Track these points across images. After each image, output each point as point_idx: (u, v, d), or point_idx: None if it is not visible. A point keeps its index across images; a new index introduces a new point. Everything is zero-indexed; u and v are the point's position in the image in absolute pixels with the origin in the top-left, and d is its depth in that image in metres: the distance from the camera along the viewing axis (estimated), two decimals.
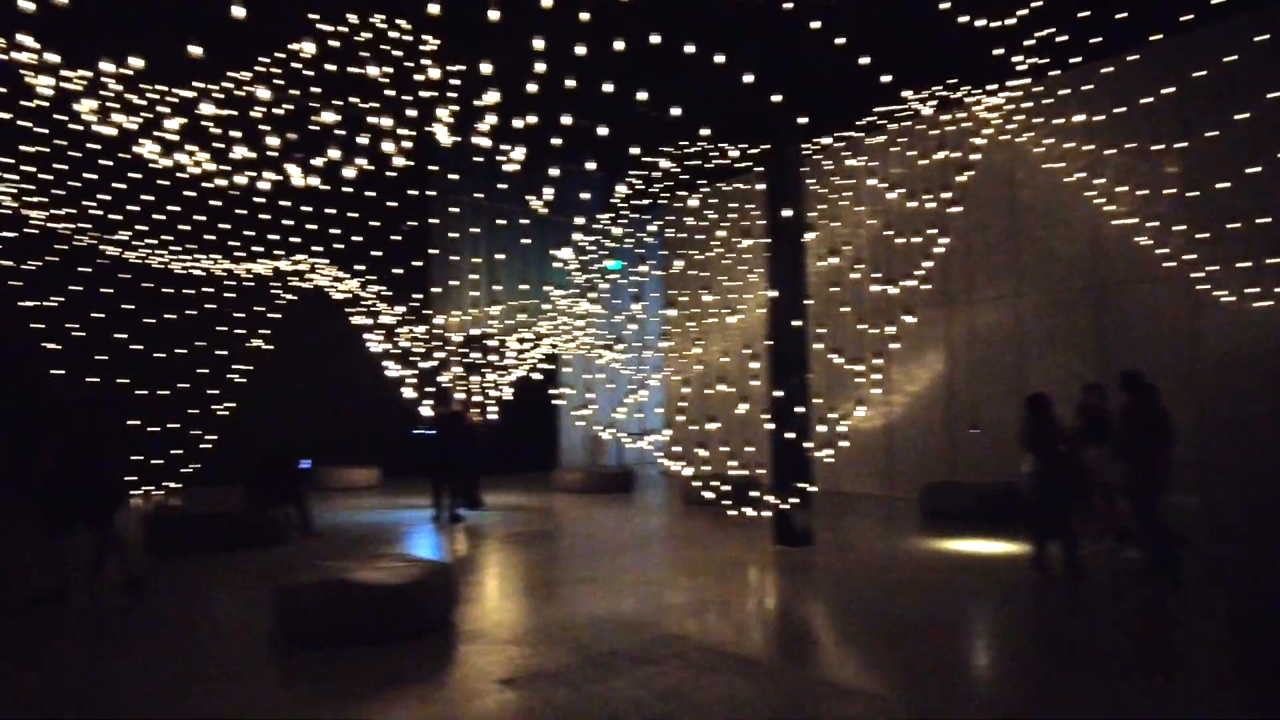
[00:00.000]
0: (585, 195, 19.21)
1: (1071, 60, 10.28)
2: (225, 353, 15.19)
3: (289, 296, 15.91)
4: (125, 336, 14.25)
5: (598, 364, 18.92)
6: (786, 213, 9.88)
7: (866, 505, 13.70)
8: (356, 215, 14.56)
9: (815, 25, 8.51)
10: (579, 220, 18.57)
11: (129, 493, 7.91)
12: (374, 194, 14.62)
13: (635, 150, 12.37)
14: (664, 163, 14.35)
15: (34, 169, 10.77)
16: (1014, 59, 9.92)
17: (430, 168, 16.89)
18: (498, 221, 18.65)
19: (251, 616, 6.32)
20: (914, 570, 8.36)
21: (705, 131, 12.30)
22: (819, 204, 14.04)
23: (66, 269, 13.62)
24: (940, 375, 14.15)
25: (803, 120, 9.74)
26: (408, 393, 14.13)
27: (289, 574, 5.97)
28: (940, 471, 13.68)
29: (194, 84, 8.57)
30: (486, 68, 8.76)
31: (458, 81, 10.02)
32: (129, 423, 9.15)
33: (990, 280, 13.56)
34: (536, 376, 17.32)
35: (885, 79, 9.20)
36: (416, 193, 17.01)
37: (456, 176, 17.04)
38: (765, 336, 10.13)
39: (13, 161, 10.53)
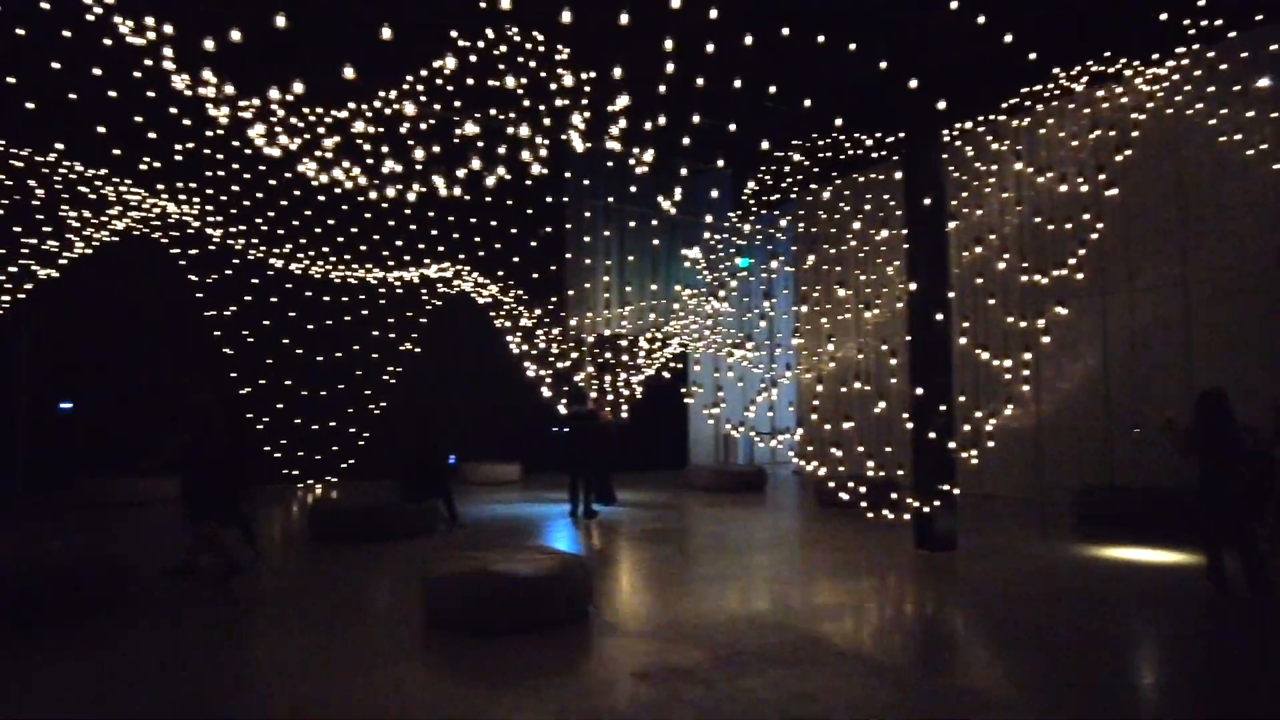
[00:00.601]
0: (715, 193, 19.20)
1: (1254, 19, 9.31)
2: (377, 355, 16.26)
3: (435, 302, 16.81)
4: (289, 341, 15.52)
5: (728, 362, 18.86)
6: (927, 202, 9.49)
7: (1012, 509, 12.95)
8: (496, 223, 15.22)
9: (954, 4, 8.11)
10: (709, 219, 18.60)
11: (244, 485, 8.35)
12: (512, 202, 15.24)
13: (765, 145, 12.21)
14: (796, 156, 14.11)
15: (213, 191, 11.93)
16: (1183, 23, 9.10)
17: (565, 174, 17.39)
18: (629, 224, 18.92)
19: (403, 604, 6.72)
20: (1067, 579, 7.83)
21: (839, 122, 12.00)
22: (961, 191, 13.38)
23: (240, 281, 15.00)
24: (1095, 371, 13.16)
25: (942, 105, 9.31)
26: (545, 392, 14.61)
27: (437, 564, 6.30)
28: (1095, 474, 12.73)
29: (348, 105, 9.20)
30: (617, 71, 8.88)
31: (589, 88, 10.24)
32: (255, 420, 9.72)
33: (1153, 267, 12.48)
34: (666, 376, 17.46)
35: (1032, 56, 8.65)
36: (551, 199, 17.53)
37: (588, 182, 17.48)
38: (905, 332, 9.78)
39: (196, 186, 11.72)
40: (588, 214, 18.62)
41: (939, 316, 9.41)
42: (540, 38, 10.12)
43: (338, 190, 9.98)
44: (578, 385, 14.56)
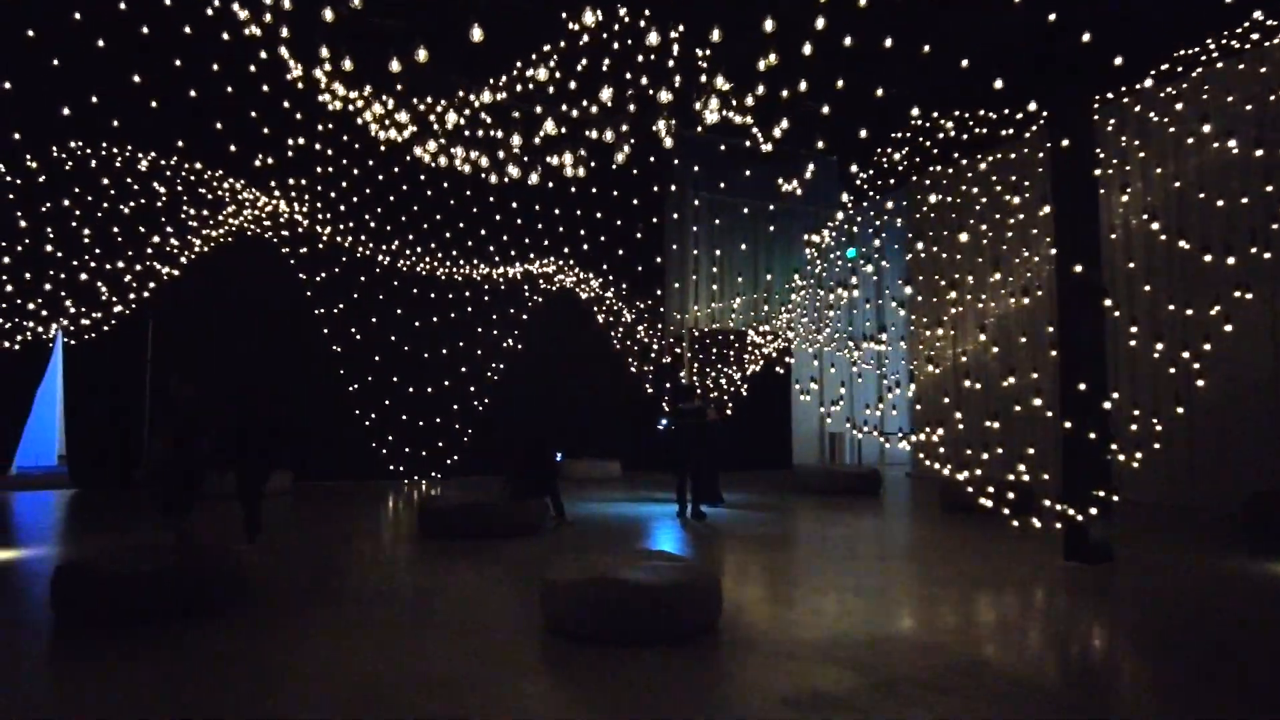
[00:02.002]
0: (821, 180, 18.39)
1: None
2: (481, 352, 16.22)
3: (537, 298, 16.66)
4: (395, 339, 15.64)
5: (836, 357, 18.06)
6: (1076, 176, 8.58)
7: (1169, 517, 11.74)
8: (599, 215, 14.90)
9: None
10: (816, 208, 17.83)
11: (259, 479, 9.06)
12: (614, 193, 14.90)
13: (877, 127, 11.44)
14: (930, 127, 13.21)
15: (324, 188, 12.05)
16: None
17: (664, 163, 16.95)
18: (730, 214, 18.30)
19: (521, 609, 6.38)
20: (1243, 598, 6.88)
21: (960, 96, 11.11)
22: (1120, 164, 12.13)
23: (348, 279, 15.20)
24: (1264, 364, 11.79)
25: (1092, 68, 8.38)
26: (647, 388, 14.24)
27: (553, 567, 5.94)
28: (1264, 479, 11.38)
29: (465, 86, 8.95)
30: (717, 41, 8.32)
31: (699, 64, 9.71)
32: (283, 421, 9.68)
33: None
34: (780, 370, 16.83)
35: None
36: (656, 188, 17.12)
37: (693, 167, 16.96)
38: (1045, 322, 8.88)
39: (307, 183, 11.85)
40: (696, 202, 18.03)
41: (1092, 304, 8.49)
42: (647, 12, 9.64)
43: (455, 173, 9.78)
44: (684, 381, 14.09)
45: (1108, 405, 8.25)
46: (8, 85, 7.58)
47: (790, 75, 8.35)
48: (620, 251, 15.42)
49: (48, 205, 10.44)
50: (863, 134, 9.87)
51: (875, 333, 14.72)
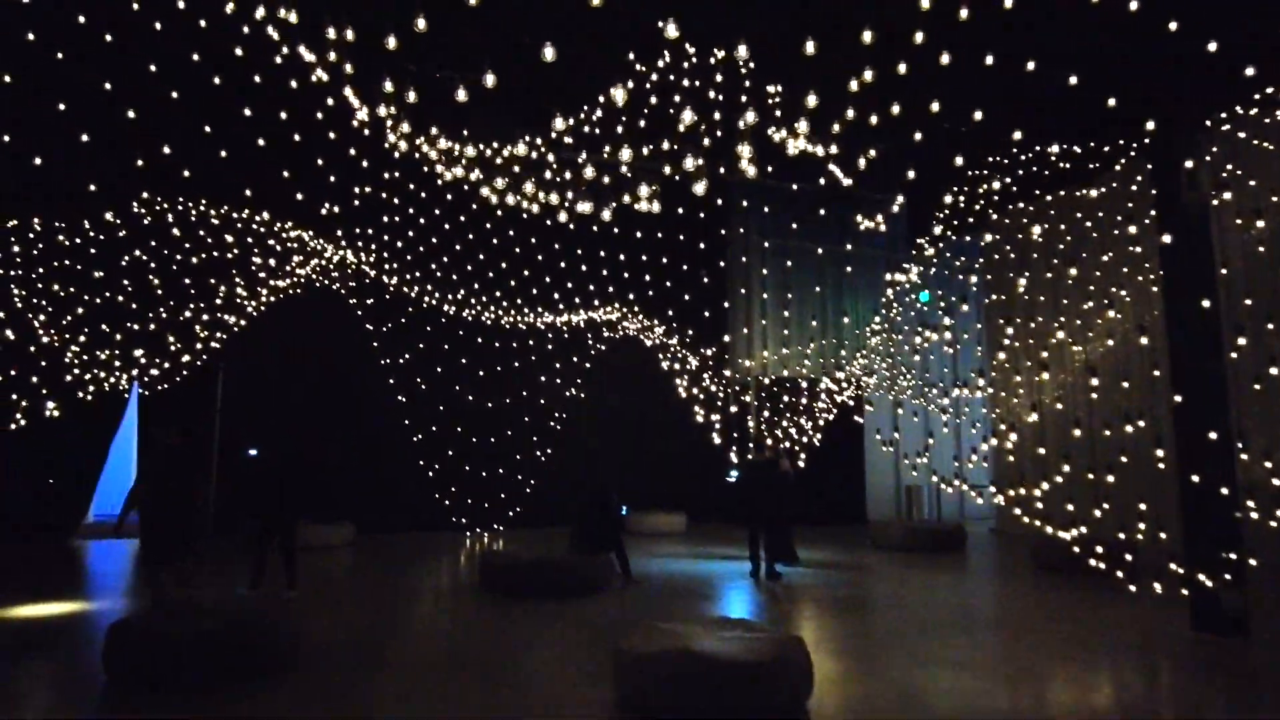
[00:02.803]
0: (891, 221, 17.86)
1: None
2: (544, 401, 15.97)
3: (600, 346, 16.39)
4: (460, 389, 15.51)
5: (911, 405, 17.23)
6: (1186, 204, 7.90)
7: None
8: (664, 260, 14.61)
9: None
10: (886, 251, 17.27)
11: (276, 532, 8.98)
12: (680, 237, 14.63)
13: (959, 160, 10.92)
14: (992, 171, 12.64)
15: (389, 237, 12.09)
16: None
17: (728, 207, 16.68)
18: (799, 258, 17.83)
19: (588, 680, 5.88)
20: None
21: (1047, 126, 10.54)
22: (1236, 192, 11.26)
23: (414, 328, 15.20)
24: None
25: (1203, 91, 7.76)
26: (715, 439, 13.71)
27: (624, 634, 5.44)
28: None
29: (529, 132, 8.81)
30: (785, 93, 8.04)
31: (769, 103, 9.39)
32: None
33: None
34: (843, 421, 16.11)
35: None
36: (723, 230, 16.83)
37: (753, 208, 16.64)
38: (1149, 365, 8.13)
39: (373, 232, 11.88)
40: (765, 244, 17.63)
41: (1210, 340, 7.73)
42: (719, 54, 9.40)
43: (519, 219, 9.61)
44: (757, 431, 13.51)
45: (1221, 454, 7.41)
46: (85, 137, 7.74)
47: (875, 106, 7.96)
48: (686, 297, 15.06)
49: (125, 259, 10.63)
50: (958, 161, 9.33)
51: (964, 381, 13.90)
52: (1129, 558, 8.79)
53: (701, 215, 10.45)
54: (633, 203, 8.12)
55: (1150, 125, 8.19)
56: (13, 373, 10.15)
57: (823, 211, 14.01)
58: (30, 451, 12.35)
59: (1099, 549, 9.17)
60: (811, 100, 7.81)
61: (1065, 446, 13.70)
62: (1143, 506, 8.90)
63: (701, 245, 15.48)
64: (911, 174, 10.24)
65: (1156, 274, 12.20)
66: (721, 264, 17.51)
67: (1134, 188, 12.25)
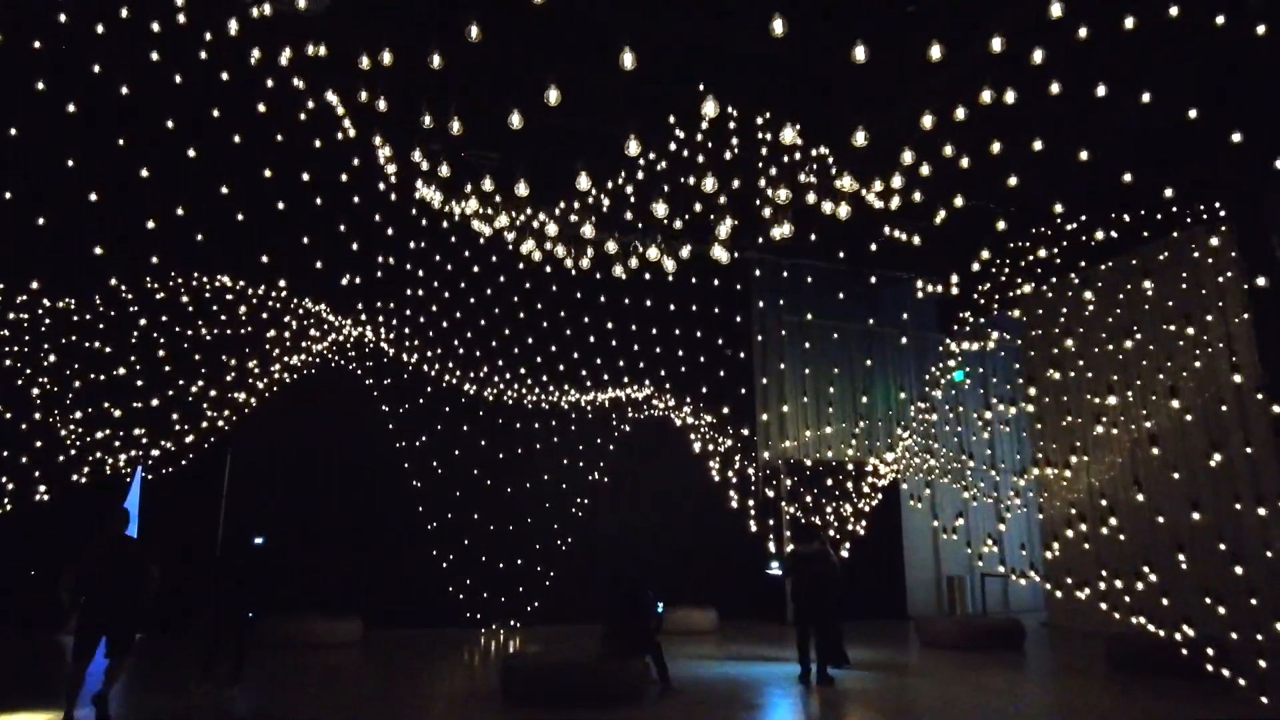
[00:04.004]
0: (919, 302, 17.37)
1: None
2: (565, 486, 15.12)
3: (625, 428, 15.65)
4: (478, 472, 14.71)
5: (950, 491, 16.32)
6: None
7: None
8: (692, 338, 14.04)
9: None
10: (917, 331, 16.70)
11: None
12: (707, 315, 14.12)
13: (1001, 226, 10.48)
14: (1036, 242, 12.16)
15: (411, 312, 11.57)
16: None
17: (752, 289, 16.24)
18: (825, 339, 17.22)
19: None
20: None
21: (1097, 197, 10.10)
22: None
23: (430, 410, 14.53)
24: None
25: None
26: (751, 526, 12.84)
27: None
28: None
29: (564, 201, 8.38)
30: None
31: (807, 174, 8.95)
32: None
33: None
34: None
35: None
36: (746, 309, 16.31)
37: (776, 288, 16.17)
38: (1217, 441, 7.33)
39: (395, 306, 11.37)
40: (789, 324, 17.05)
41: None
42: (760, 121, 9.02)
43: (544, 293, 9.07)
44: (808, 521, 12.60)
45: None
46: (93, 196, 7.30)
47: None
48: (719, 373, 14.40)
49: (133, 332, 10.09)
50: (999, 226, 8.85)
51: (1019, 468, 13.07)
52: (1227, 656, 7.77)
53: (727, 288, 10.04)
54: (653, 260, 7.57)
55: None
56: (3, 454, 9.46)
57: (841, 295, 13.49)
58: (18, 538, 11.53)
59: (1206, 648, 8.15)
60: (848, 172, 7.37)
61: (1138, 536, 12.72)
62: (1254, 601, 7.93)
63: (728, 323, 14.95)
64: (988, 255, 9.78)
65: (1215, 345, 11.59)
66: (749, 345, 16.90)
67: (1195, 252, 11.68)
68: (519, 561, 14.90)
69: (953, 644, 13.05)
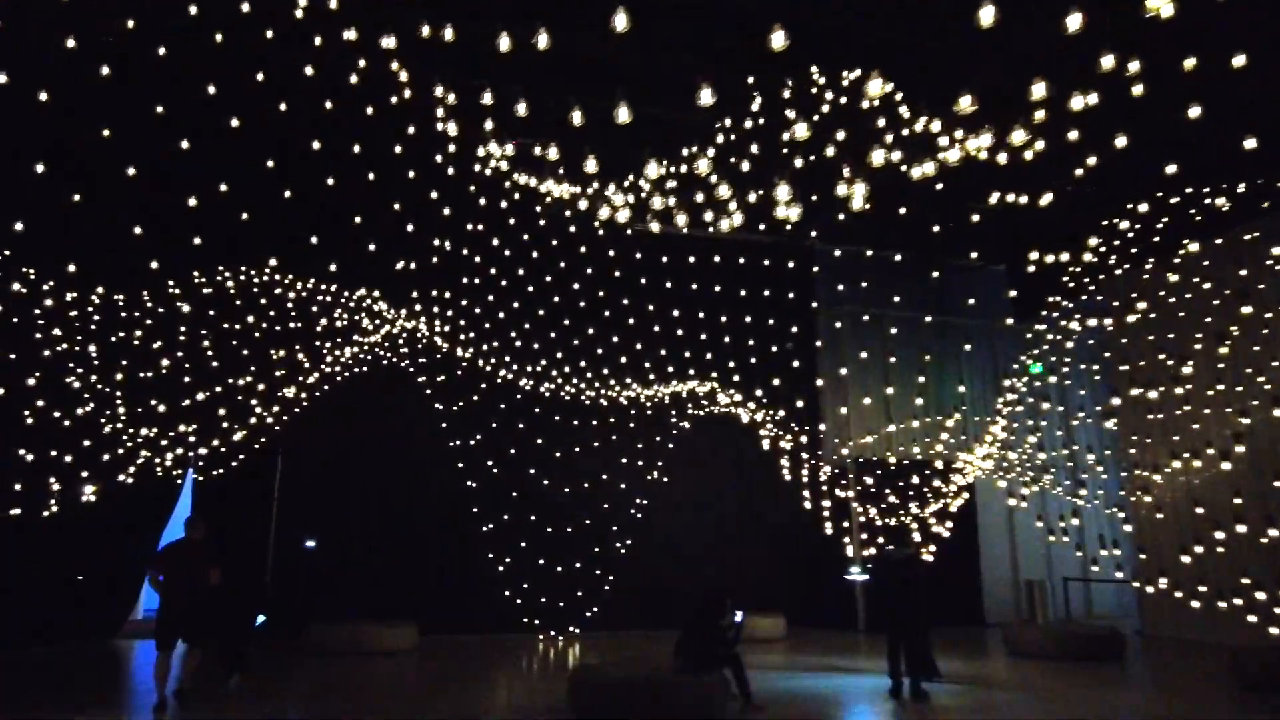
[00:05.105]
0: (991, 289, 16.40)
1: None
2: (624, 486, 14.47)
3: (684, 425, 14.95)
4: (534, 472, 14.13)
5: (1029, 491, 15.30)
6: None
7: None
8: (755, 328, 13.29)
9: None
10: (992, 320, 15.72)
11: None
12: (771, 306, 13.38)
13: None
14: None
15: (468, 302, 11.02)
16: None
17: (816, 273, 15.43)
18: (895, 330, 16.28)
19: None
20: None
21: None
22: None
23: (485, 407, 13.99)
24: None
25: None
26: (827, 528, 12.04)
27: None
28: None
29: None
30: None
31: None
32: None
33: None
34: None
35: None
36: (814, 304, 15.47)
37: (839, 278, 15.33)
38: None
39: (450, 296, 10.82)
40: (855, 317, 16.15)
41: None
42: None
43: (608, 280, 8.45)
44: (897, 524, 11.77)
45: None
46: (131, 171, 6.84)
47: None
48: (788, 364, 13.61)
49: (181, 328, 9.70)
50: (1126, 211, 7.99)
51: (1048, 464, 12.13)
52: None
53: (790, 279, 9.37)
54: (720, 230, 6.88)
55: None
56: (49, 453, 9.12)
57: (909, 285, 12.63)
58: (69, 543, 11.23)
59: None
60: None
61: (1250, 539, 11.64)
62: None
63: (792, 316, 14.17)
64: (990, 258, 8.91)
65: None
66: (812, 338, 16.04)
67: None
68: (577, 565, 14.28)
69: (1044, 654, 12.09)
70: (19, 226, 7.13)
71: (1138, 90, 6.31)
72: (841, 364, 14.83)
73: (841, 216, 9.63)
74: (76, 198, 7.20)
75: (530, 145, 8.01)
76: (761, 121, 7.31)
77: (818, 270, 15.23)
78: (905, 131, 7.01)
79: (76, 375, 9.06)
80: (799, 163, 7.72)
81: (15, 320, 9.07)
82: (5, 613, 11.02)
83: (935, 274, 9.20)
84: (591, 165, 6.57)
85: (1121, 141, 7.34)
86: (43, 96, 6.10)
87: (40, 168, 6.66)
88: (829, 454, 14.11)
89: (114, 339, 9.03)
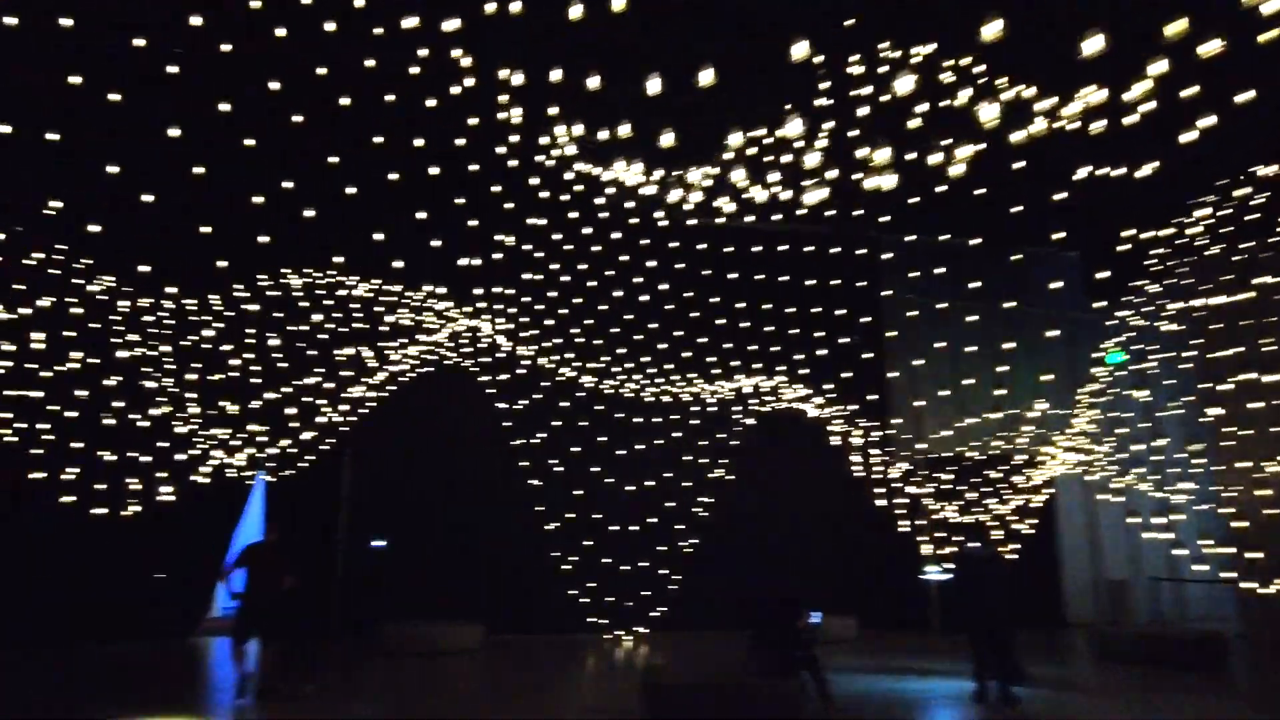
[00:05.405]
0: (1066, 278, 15.68)
1: None
2: (690, 484, 14.22)
3: (749, 421, 14.63)
4: (598, 470, 13.99)
5: (1111, 486, 14.56)
6: None
7: None
8: (821, 321, 12.90)
9: None
10: (1070, 308, 15.03)
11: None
12: (830, 298, 13.00)
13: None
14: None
15: (531, 299, 10.94)
16: None
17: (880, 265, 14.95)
18: (961, 322, 15.64)
19: None
20: None
21: None
22: None
23: (547, 406, 13.91)
24: None
25: None
26: (902, 526, 11.62)
27: None
28: None
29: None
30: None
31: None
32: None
33: None
34: (1034, 505, 13.64)
35: None
36: (881, 292, 14.99)
37: (909, 268, 14.82)
38: None
39: (513, 293, 10.74)
40: (927, 308, 15.58)
41: None
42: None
43: (670, 272, 8.22)
44: (975, 521, 11.30)
45: None
46: (198, 169, 6.89)
47: None
48: (862, 359, 13.19)
49: (250, 331, 9.82)
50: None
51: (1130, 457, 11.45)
52: None
53: (856, 270, 8.99)
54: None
55: None
56: (126, 454, 9.32)
57: (978, 274, 12.06)
58: (149, 542, 11.49)
59: None
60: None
61: None
62: None
63: (859, 308, 13.73)
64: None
65: None
66: (880, 330, 15.51)
67: None
68: (642, 565, 14.08)
69: (1137, 658, 11.42)
70: (96, 228, 7.27)
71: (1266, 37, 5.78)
72: (915, 355, 14.29)
73: (914, 200, 9.23)
74: (149, 198, 7.30)
75: (593, 141, 7.85)
76: (835, 99, 7.00)
77: (889, 257, 14.71)
78: (1000, 98, 6.61)
79: (151, 378, 9.24)
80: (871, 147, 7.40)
81: (96, 325, 9.28)
82: (90, 611, 11.33)
83: (1017, 256, 8.72)
84: (660, 147, 6.35)
85: (1247, 95, 6.75)
86: (115, 97, 6.18)
87: (114, 169, 6.77)
88: (901, 449, 13.63)
89: (185, 342, 9.18)
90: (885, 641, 13.52)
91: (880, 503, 12.50)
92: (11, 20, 5.91)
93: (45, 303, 8.49)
